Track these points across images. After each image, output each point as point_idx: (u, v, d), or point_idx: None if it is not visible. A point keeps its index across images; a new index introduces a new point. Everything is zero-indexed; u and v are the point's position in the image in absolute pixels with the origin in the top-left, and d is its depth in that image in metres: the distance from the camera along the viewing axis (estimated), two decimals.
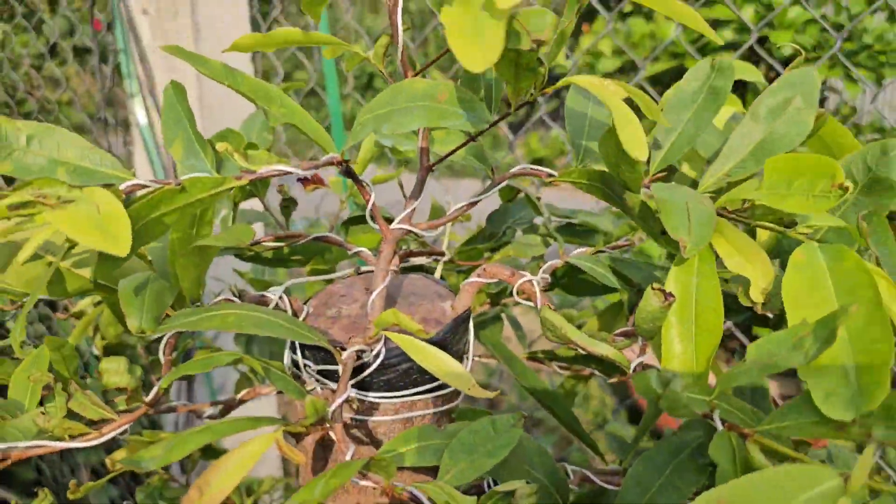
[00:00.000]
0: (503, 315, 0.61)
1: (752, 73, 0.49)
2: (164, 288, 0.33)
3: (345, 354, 0.35)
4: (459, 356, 0.41)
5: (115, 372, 0.34)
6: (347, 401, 0.36)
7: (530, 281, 0.40)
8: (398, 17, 0.35)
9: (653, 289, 0.32)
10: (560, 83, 0.35)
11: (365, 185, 0.39)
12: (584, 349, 0.33)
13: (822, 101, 2.46)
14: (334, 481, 0.26)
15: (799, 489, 0.22)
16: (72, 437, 0.31)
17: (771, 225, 0.34)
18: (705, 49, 2.20)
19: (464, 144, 0.38)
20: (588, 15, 2.67)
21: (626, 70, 2.42)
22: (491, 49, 0.24)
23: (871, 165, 0.38)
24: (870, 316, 0.27)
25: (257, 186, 0.47)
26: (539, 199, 0.53)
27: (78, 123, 2.04)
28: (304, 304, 0.43)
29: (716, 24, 2.17)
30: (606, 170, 0.38)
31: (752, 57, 2.39)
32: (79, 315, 0.63)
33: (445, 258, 0.50)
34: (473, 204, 0.41)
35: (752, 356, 0.28)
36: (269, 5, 1.82)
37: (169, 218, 0.31)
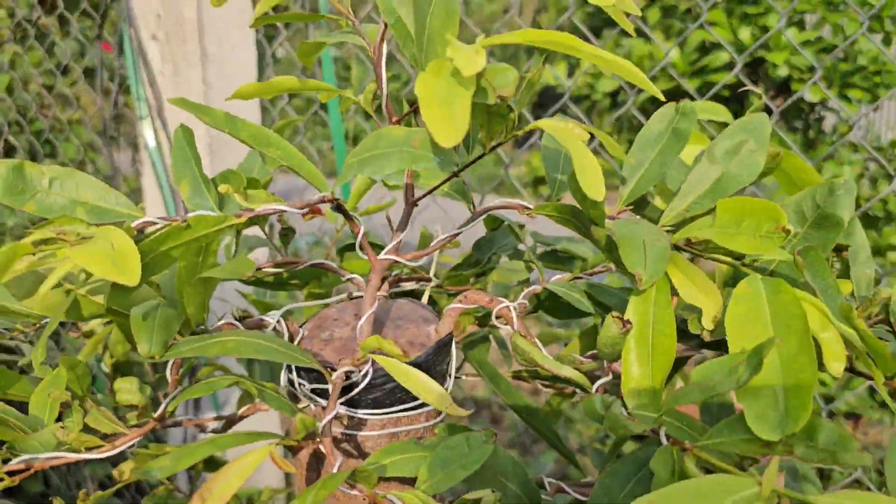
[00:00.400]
0: (490, 336, 0.64)
1: (720, 114, 0.52)
2: (171, 314, 0.37)
3: (335, 375, 0.39)
4: (442, 376, 0.44)
5: (128, 391, 0.37)
6: (337, 417, 0.40)
7: (508, 307, 0.44)
8: (382, 69, 0.38)
9: (612, 317, 0.36)
10: (528, 127, 0.38)
11: (354, 219, 0.42)
12: (549, 371, 0.36)
13: (820, 120, 2.50)
14: (323, 492, 0.29)
15: (722, 495, 0.25)
16: (88, 450, 0.35)
17: (723, 258, 0.38)
18: (704, 70, 2.24)
19: (445, 181, 0.42)
20: (594, 32, 2.72)
21: (625, 89, 2.45)
22: (458, 122, 0.28)
23: (820, 203, 0.42)
24: (799, 346, 0.31)
25: (258, 218, 0.50)
26: (523, 226, 0.57)
27: (87, 142, 2.08)
28: (301, 326, 0.47)
29: (714, 45, 2.21)
30: (577, 205, 0.41)
31: (751, 76, 2.44)
32: (89, 334, 0.67)
33: (434, 283, 0.53)
34: (455, 235, 0.45)
35: (695, 380, 0.31)
36: (274, 29, 1.86)
37: (176, 252, 0.35)
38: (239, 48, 1.34)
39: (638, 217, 0.45)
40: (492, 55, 0.37)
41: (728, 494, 0.25)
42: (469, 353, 0.61)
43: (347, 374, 0.40)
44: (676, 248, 0.39)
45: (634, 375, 0.36)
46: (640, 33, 2.47)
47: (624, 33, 2.52)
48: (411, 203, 0.43)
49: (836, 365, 0.31)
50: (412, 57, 0.35)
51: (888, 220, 2.25)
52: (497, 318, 0.45)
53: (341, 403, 0.40)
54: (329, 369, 0.39)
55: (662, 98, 0.36)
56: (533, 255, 0.57)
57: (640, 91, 2.43)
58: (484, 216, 0.47)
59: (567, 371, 0.36)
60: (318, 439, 0.35)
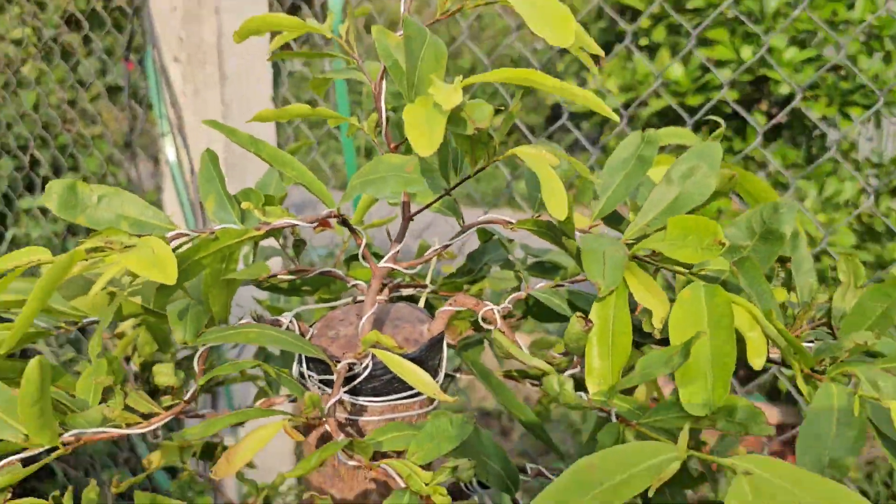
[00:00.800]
0: (485, 340, 0.70)
1: (685, 138, 0.58)
2: (200, 310, 0.43)
3: (339, 366, 0.45)
4: (434, 370, 0.50)
5: (165, 374, 0.43)
6: (341, 403, 0.46)
7: (492, 309, 0.50)
8: (382, 103, 0.45)
9: (576, 316, 0.42)
10: (507, 153, 0.44)
11: (358, 231, 0.49)
12: (523, 363, 0.42)
13: (823, 137, 2.55)
14: (325, 454, 0.35)
15: (647, 457, 0.31)
16: (128, 426, 0.41)
17: (676, 267, 0.44)
18: (707, 86, 2.29)
19: (437, 199, 0.48)
20: (605, 48, 2.78)
21: (631, 105, 2.51)
22: (434, 139, 0.34)
23: (766, 219, 0.48)
24: (726, 340, 0.37)
25: (274, 231, 0.57)
26: (511, 240, 0.63)
27: (109, 155, 2.16)
28: (310, 326, 0.53)
29: (716, 63, 2.27)
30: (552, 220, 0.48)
31: (754, 94, 2.49)
32: (120, 335, 0.73)
33: (430, 289, 0.59)
34: (446, 246, 0.51)
35: (638, 368, 0.37)
36: (288, 47, 1.94)
37: (206, 260, 0.41)
38: (255, 69, 1.41)
39: (607, 230, 0.51)
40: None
41: (652, 455, 0.30)
42: (464, 355, 0.67)
43: (350, 366, 0.46)
44: (636, 258, 0.45)
45: (596, 367, 0.42)
46: (649, 50, 2.53)
47: (639, 49, 2.58)
48: (407, 218, 0.49)
49: (758, 360, 0.37)
50: (404, 92, 0.41)
51: (890, 235, 2.29)
52: (483, 320, 0.51)
53: (345, 392, 0.46)
54: (334, 361, 0.45)
55: (616, 118, 0.42)
56: (522, 266, 0.63)
57: (645, 106, 2.49)
58: (474, 229, 0.53)
59: (536, 361, 0.42)
60: (325, 420, 0.41)
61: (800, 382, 0.38)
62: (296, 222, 0.44)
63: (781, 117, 2.23)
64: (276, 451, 1.42)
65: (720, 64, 2.27)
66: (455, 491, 0.55)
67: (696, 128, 2.52)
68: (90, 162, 2.13)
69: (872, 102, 2.24)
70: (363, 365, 0.46)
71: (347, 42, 0.48)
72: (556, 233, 0.48)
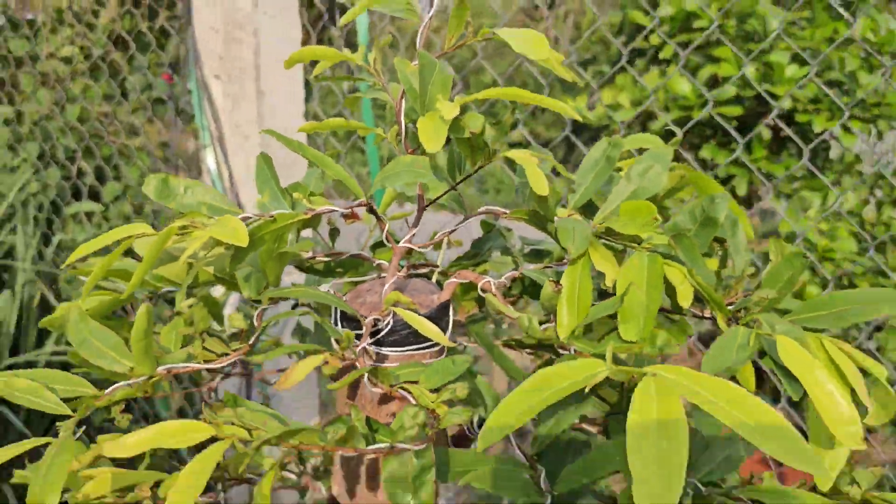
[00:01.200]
0: (489, 316, 0.82)
1: (651, 143, 0.70)
2: (260, 277, 0.56)
3: (366, 321, 0.57)
4: (443, 328, 0.63)
5: (237, 319, 0.56)
6: (366, 351, 0.58)
7: (489, 281, 0.62)
8: (402, 117, 0.57)
9: (549, 281, 0.54)
10: (500, 155, 0.57)
11: (382, 218, 0.61)
12: (508, 316, 0.55)
13: (827, 150, 2.64)
14: (354, 376, 0.48)
15: (585, 369, 0.43)
16: (206, 361, 0.54)
17: (627, 242, 0.56)
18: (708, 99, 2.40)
19: (445, 193, 0.61)
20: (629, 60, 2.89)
21: (642, 118, 2.62)
22: (439, 140, 0.47)
23: (705, 209, 0.60)
24: (656, 291, 0.49)
25: (313, 220, 0.69)
26: (510, 230, 0.76)
27: (149, 166, 2.32)
28: (343, 296, 0.66)
29: (722, 80, 2.38)
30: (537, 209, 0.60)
31: (759, 107, 2.59)
32: (179, 313, 0.87)
33: (440, 269, 0.72)
34: (451, 232, 0.63)
35: (592, 310, 0.49)
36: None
37: (266, 236, 0.54)
38: (288, 85, 1.55)
39: (581, 217, 0.63)
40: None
41: (589, 368, 0.43)
42: (470, 328, 0.79)
43: (375, 322, 0.58)
44: (599, 236, 0.57)
45: (565, 320, 0.54)
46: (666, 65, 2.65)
47: (657, 64, 2.70)
48: (421, 208, 0.62)
49: (685, 302, 0.49)
50: (418, 109, 0.54)
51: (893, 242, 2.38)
52: (482, 291, 0.63)
53: (371, 343, 0.59)
54: (363, 317, 0.58)
55: (577, 117, 0.55)
56: (518, 253, 0.76)
57: (653, 120, 2.60)
58: (476, 219, 0.66)
59: (517, 313, 0.54)
60: (355, 359, 0.54)
61: (722, 326, 0.50)
62: (334, 209, 0.57)
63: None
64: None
65: (725, 80, 2.38)
66: (461, 436, 0.68)
67: (705, 140, 2.62)
68: (132, 171, 2.28)
69: (871, 116, 2.34)
70: (385, 322, 0.59)
71: (375, 69, 0.61)
72: (540, 218, 0.60)
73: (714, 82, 2.47)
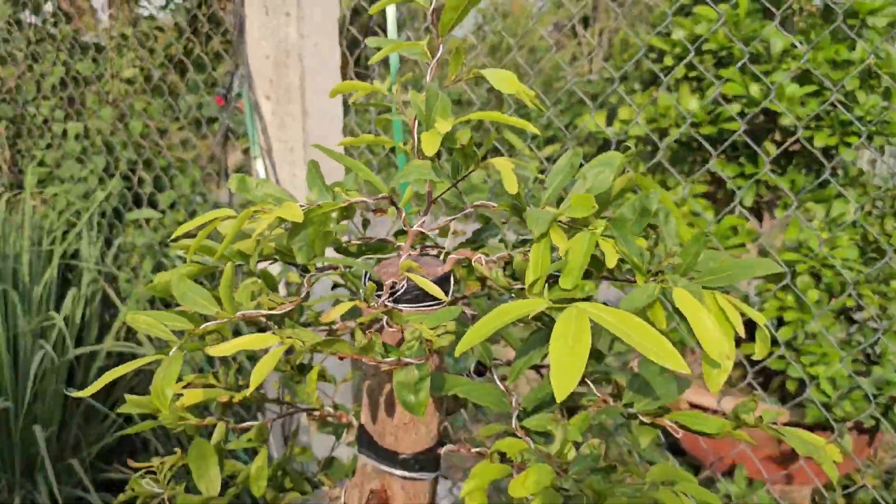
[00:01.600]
0: (489, 294, 1.02)
1: (611, 156, 0.90)
2: (310, 249, 0.76)
3: (386, 283, 0.78)
4: (446, 293, 0.83)
5: (294, 276, 0.77)
6: (386, 306, 0.79)
7: (479, 258, 0.82)
8: (415, 132, 0.78)
9: (519, 253, 0.74)
10: (486, 161, 0.77)
11: (401, 209, 0.82)
12: (489, 278, 0.75)
13: (835, 169, 2.79)
14: (373, 316, 0.68)
15: (531, 305, 0.63)
16: (270, 309, 0.74)
17: (577, 225, 0.76)
18: (719, 118, 2.58)
19: (447, 190, 0.81)
20: (651, 82, 3.08)
21: (656, 133, 2.80)
22: (434, 146, 0.67)
23: (642, 201, 0.79)
24: (588, 248, 0.69)
25: (349, 210, 0.90)
26: (505, 222, 0.96)
27: (201, 177, 2.56)
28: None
29: (728, 99, 2.56)
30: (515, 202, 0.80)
31: (766, 124, 2.76)
32: (251, 273, 1.08)
33: (446, 251, 0.92)
34: (451, 220, 0.84)
35: (548, 269, 0.69)
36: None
37: (315, 218, 0.75)
38: (329, 104, 1.77)
39: (550, 209, 0.83)
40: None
41: (532, 305, 0.63)
42: (473, 302, 0.99)
43: (393, 284, 0.78)
44: (559, 222, 0.77)
45: (529, 277, 0.73)
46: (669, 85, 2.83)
47: (674, 87, 2.88)
48: (430, 202, 0.82)
49: (611, 262, 0.69)
50: (424, 126, 0.74)
51: None
52: (475, 265, 0.83)
53: (390, 300, 0.79)
54: (384, 282, 0.78)
55: (535, 131, 0.74)
56: (514, 242, 0.96)
57: (666, 136, 2.77)
58: (468, 210, 0.86)
59: (493, 273, 0.74)
60: (377, 306, 0.74)
61: (639, 282, 0.70)
62: (365, 199, 0.77)
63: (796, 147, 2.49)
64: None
65: (731, 99, 2.55)
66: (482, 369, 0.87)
67: (716, 153, 2.79)
68: (184, 181, 2.52)
69: (870, 133, 2.50)
70: (400, 284, 0.79)
71: (397, 97, 0.82)
72: (517, 209, 0.80)
73: (719, 101, 2.64)
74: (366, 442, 0.83)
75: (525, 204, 0.77)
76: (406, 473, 0.84)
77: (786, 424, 0.75)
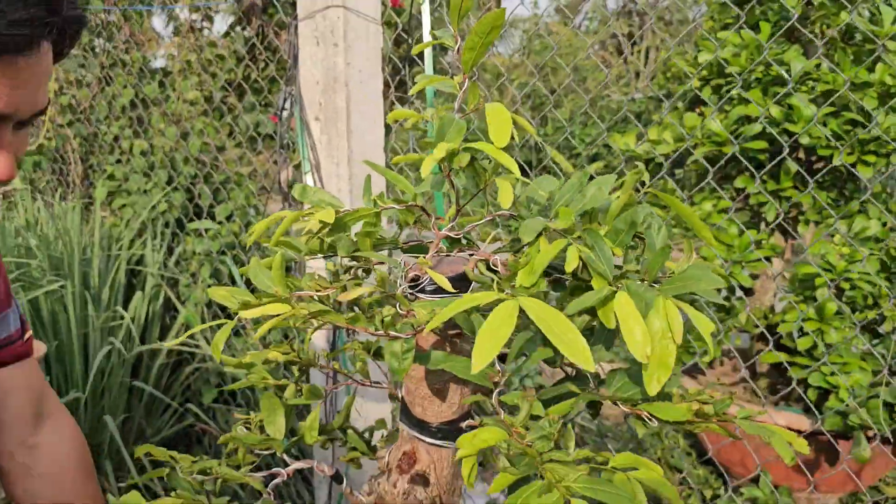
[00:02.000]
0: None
1: (609, 179, 1.05)
2: (351, 244, 0.94)
3: (411, 275, 0.95)
4: (466, 287, 1.00)
5: (332, 265, 0.95)
6: (410, 294, 0.96)
7: (495, 259, 0.99)
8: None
9: (511, 255, 0.91)
10: (492, 178, 0.94)
11: (431, 215, 0.99)
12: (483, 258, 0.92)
13: (852, 180, 2.90)
14: (399, 298, 0.85)
15: (491, 296, 0.80)
16: (320, 289, 0.92)
17: (565, 234, 0.92)
18: (740, 137, 2.70)
19: (469, 200, 0.98)
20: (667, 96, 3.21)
21: (680, 151, 2.94)
22: (429, 167, 0.85)
23: (631, 216, 0.95)
24: (552, 254, 0.85)
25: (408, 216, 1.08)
26: None
27: (255, 190, 2.76)
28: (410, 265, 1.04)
29: (749, 119, 2.69)
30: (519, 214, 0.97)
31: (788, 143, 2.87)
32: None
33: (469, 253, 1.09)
34: (477, 224, 1.01)
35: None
36: (393, 105, 2.50)
37: (351, 222, 0.92)
38: (372, 125, 1.96)
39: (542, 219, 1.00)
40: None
41: (484, 298, 0.79)
42: None
43: (416, 276, 0.96)
44: (555, 231, 0.93)
45: (525, 276, 0.90)
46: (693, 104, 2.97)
47: (699, 104, 3.02)
48: (458, 211, 1.00)
49: (569, 267, 0.85)
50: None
51: None
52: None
53: (415, 291, 0.96)
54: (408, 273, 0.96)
55: (517, 171, 0.91)
56: None
57: (689, 155, 2.90)
58: (488, 218, 1.03)
59: (479, 272, 0.91)
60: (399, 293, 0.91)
61: (595, 286, 0.86)
62: (397, 206, 0.95)
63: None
64: (376, 405, 1.93)
65: (753, 119, 2.68)
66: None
67: (740, 171, 2.91)
68: (239, 194, 2.73)
69: (889, 151, 2.61)
70: (425, 278, 0.96)
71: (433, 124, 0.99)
72: (520, 219, 0.97)
73: (741, 122, 2.76)
74: (404, 411, 1.00)
75: (533, 215, 0.94)
76: (430, 440, 1.00)
77: (805, 432, 0.86)
